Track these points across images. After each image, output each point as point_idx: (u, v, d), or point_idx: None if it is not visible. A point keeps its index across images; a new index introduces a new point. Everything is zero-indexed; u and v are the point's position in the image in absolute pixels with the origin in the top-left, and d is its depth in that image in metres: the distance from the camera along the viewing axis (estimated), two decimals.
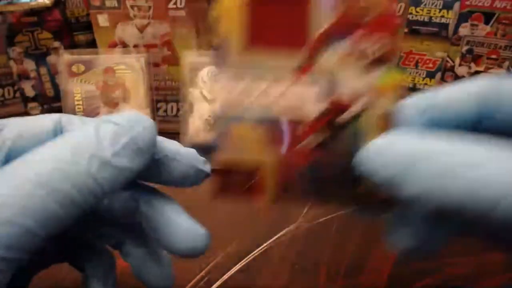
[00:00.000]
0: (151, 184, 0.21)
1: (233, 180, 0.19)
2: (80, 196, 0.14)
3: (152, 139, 0.16)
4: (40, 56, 0.61)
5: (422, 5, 0.69)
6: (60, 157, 0.14)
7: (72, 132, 0.16)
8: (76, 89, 0.46)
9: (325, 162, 0.19)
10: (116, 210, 0.20)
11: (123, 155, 0.15)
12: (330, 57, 0.18)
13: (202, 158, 0.20)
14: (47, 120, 0.18)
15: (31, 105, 0.63)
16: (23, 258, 0.14)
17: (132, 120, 0.16)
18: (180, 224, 0.19)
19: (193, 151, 0.20)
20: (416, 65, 0.74)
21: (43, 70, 0.62)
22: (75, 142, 0.15)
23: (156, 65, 0.55)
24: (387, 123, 0.18)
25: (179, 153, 0.19)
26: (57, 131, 0.18)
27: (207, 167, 0.20)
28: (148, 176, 0.19)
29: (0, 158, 0.16)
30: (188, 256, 0.19)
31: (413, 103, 0.18)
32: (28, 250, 0.14)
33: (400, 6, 0.50)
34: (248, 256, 0.36)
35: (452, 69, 0.66)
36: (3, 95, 0.65)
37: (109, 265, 0.23)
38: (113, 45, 0.54)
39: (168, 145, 0.19)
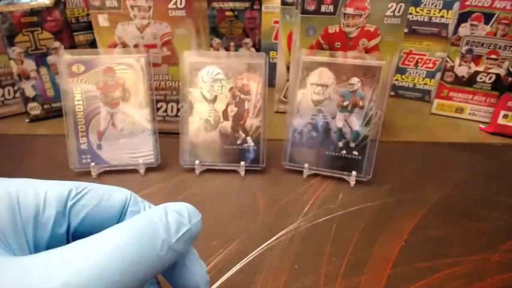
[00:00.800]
0: None
1: None
2: (148, 273, 0.16)
3: (199, 231, 0.19)
4: (40, 56, 0.61)
5: (422, 5, 0.69)
6: (139, 238, 0.17)
7: (146, 215, 0.18)
8: (76, 89, 0.46)
9: None
10: None
11: (181, 242, 0.18)
12: None
13: (207, 279, 0.21)
14: (120, 196, 0.21)
15: (31, 105, 0.63)
16: None
17: (191, 213, 0.19)
18: None
19: (204, 268, 0.21)
20: (416, 65, 0.74)
21: (43, 70, 0.62)
22: (151, 224, 0.17)
23: (156, 65, 0.55)
24: None
25: (193, 265, 0.20)
26: (125, 208, 0.21)
27: (206, 287, 0.21)
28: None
29: (79, 219, 0.20)
30: None
31: None
32: None
33: (400, 6, 0.50)
34: (248, 256, 0.36)
35: (452, 69, 0.66)
36: (3, 95, 0.65)
37: None
38: (113, 45, 0.54)
39: (189, 251, 0.21)
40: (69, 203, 0.19)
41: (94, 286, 0.14)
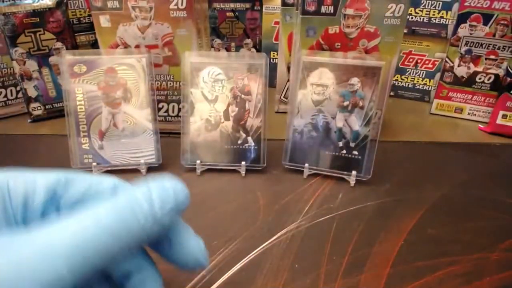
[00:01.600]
0: None
1: None
2: (135, 244, 0.17)
3: (186, 206, 0.20)
4: (42, 56, 0.62)
5: (421, 6, 0.69)
6: (122, 212, 0.17)
7: (131, 191, 0.18)
8: (78, 89, 0.46)
9: None
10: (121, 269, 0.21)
11: (167, 216, 0.18)
12: None
13: (206, 252, 0.22)
14: (108, 181, 0.21)
15: (33, 105, 0.63)
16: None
17: (176, 189, 0.19)
18: None
19: (201, 243, 0.22)
20: (416, 66, 0.74)
21: (45, 71, 0.63)
22: (134, 200, 0.17)
23: (157, 65, 0.55)
24: None
25: (189, 241, 0.21)
26: (114, 192, 0.21)
27: (206, 261, 0.22)
28: (156, 245, 0.21)
29: (68, 206, 0.20)
30: None
31: None
32: (87, 274, 0.16)
33: (400, 7, 0.50)
34: (249, 255, 0.36)
35: (451, 69, 0.66)
36: (5, 96, 0.65)
37: None
38: (115, 46, 0.54)
39: (183, 228, 0.21)
40: (59, 191, 0.20)
41: (76, 252, 0.15)
